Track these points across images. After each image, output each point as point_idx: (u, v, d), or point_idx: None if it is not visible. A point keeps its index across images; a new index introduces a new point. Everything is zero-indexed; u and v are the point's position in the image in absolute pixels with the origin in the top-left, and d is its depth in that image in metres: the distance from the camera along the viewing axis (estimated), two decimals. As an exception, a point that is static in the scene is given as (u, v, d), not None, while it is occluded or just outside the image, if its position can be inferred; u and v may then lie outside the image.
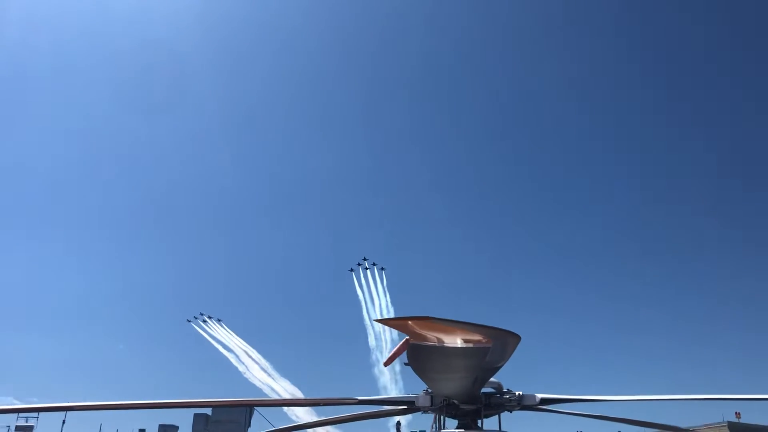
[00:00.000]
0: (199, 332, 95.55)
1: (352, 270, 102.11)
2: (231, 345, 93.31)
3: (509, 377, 17.56)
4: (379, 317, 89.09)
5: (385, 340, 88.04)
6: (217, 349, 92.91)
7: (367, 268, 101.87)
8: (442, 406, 17.59)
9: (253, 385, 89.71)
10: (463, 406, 17.52)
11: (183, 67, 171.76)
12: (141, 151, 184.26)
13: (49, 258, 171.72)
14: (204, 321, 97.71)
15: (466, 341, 12.55)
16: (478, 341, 12.59)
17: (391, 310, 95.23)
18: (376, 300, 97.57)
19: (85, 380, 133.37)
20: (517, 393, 17.75)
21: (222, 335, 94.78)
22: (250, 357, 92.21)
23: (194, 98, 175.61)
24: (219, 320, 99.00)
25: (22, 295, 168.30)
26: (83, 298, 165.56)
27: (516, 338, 12.39)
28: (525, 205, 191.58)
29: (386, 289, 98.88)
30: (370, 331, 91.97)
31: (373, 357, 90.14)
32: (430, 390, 17.62)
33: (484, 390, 17.28)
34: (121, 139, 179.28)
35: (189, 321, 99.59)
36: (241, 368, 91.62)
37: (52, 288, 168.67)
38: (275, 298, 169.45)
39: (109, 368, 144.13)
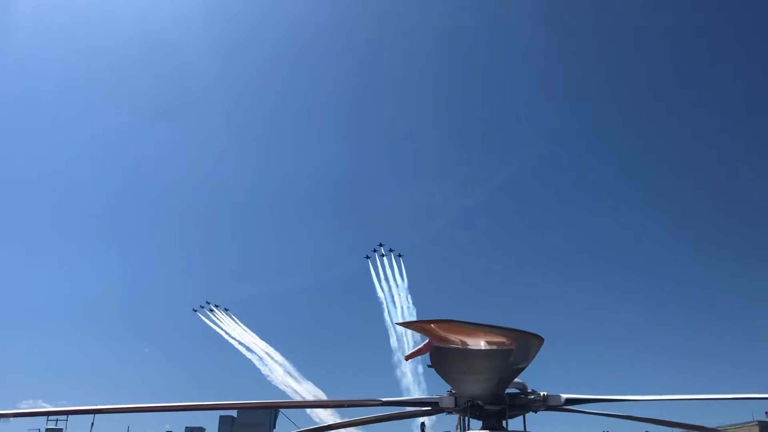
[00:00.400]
0: (212, 327, 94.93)
1: (367, 257, 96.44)
2: (251, 345, 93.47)
3: (533, 378, 17.50)
4: (400, 313, 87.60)
5: (407, 341, 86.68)
6: (240, 352, 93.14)
7: (383, 255, 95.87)
8: (467, 407, 17.54)
9: (276, 387, 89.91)
10: (487, 407, 17.45)
11: (192, 69, 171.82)
12: (148, 153, 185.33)
13: (73, 263, 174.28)
14: (211, 310, 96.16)
15: (488, 343, 12.52)
16: (501, 343, 12.54)
17: (412, 308, 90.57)
18: (395, 293, 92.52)
19: (113, 383, 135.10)
20: (541, 393, 17.64)
21: (238, 333, 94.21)
22: (273, 359, 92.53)
23: (201, 99, 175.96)
24: (226, 309, 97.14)
25: (50, 300, 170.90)
26: (110, 302, 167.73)
27: (539, 340, 12.33)
28: (543, 203, 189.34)
29: (405, 279, 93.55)
30: (391, 332, 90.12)
31: (395, 358, 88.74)
32: (454, 391, 17.57)
33: (508, 391, 17.18)
34: (130, 140, 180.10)
35: (195, 311, 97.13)
36: (264, 370, 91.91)
37: (79, 292, 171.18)
38: (285, 292, 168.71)
39: (135, 371, 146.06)
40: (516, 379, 16.77)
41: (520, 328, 11.77)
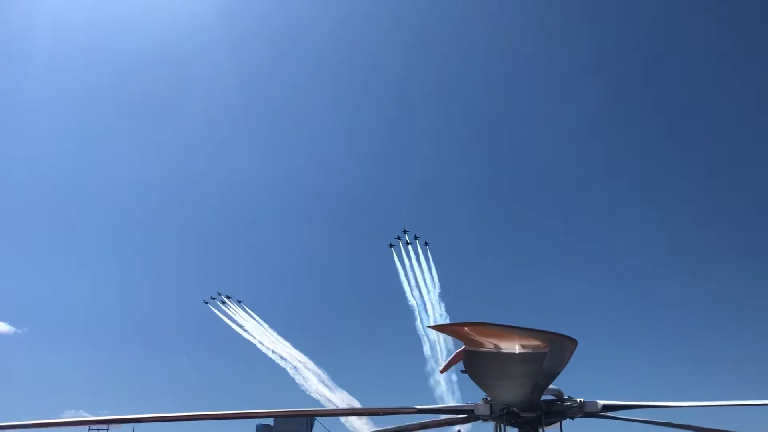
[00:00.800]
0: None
1: (391, 245, 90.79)
2: (284, 354, 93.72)
3: (569, 384, 17.35)
4: (430, 309, 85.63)
5: (440, 349, 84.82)
6: (275, 361, 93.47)
7: (408, 243, 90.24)
8: (502, 415, 17.45)
9: (310, 396, 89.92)
10: (523, 414, 17.34)
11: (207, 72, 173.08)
12: (154, 154, 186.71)
13: (112, 277, 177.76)
14: (222, 302, 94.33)
15: (522, 346, 12.47)
16: (535, 346, 12.48)
17: (445, 315, 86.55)
18: (426, 298, 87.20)
19: (152, 393, 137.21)
20: (578, 400, 17.48)
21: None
22: (307, 368, 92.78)
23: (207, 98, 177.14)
24: (239, 301, 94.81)
25: (91, 313, 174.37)
26: (148, 314, 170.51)
27: (573, 343, 12.25)
28: (576, 208, 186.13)
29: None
30: (424, 340, 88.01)
31: (428, 367, 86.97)
32: (489, 398, 17.51)
33: (544, 397, 17.07)
34: (134, 140, 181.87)
35: (206, 302, 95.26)
36: (298, 379, 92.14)
37: (118, 305, 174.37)
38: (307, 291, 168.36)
39: (173, 380, 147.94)
40: (551, 386, 16.64)
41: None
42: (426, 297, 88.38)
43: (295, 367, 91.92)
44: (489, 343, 12.31)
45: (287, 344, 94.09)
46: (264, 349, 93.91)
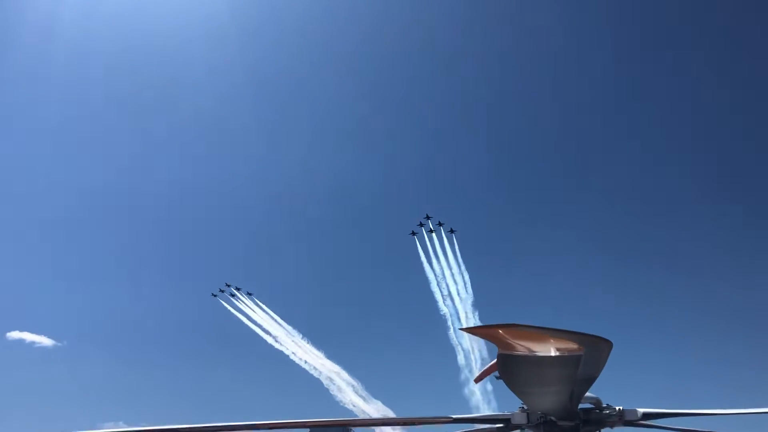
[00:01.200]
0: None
1: (413, 233, 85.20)
2: (319, 366, 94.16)
3: (607, 391, 17.12)
4: (463, 316, 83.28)
5: (474, 357, 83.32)
6: (311, 374, 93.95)
7: (431, 230, 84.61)
8: (539, 423, 17.27)
9: (345, 407, 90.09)
10: (561, 423, 17.12)
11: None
12: (161, 156, 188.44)
13: (150, 287, 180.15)
14: (232, 294, 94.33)
15: (556, 349, 12.36)
16: (570, 349, 12.36)
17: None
18: (458, 305, 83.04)
19: (190, 404, 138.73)
20: (617, 408, 17.22)
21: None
22: (341, 378, 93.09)
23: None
24: (249, 293, 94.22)
25: (128, 323, 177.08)
26: (186, 325, 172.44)
27: (608, 344, 12.13)
28: (610, 206, 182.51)
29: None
30: (458, 349, 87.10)
31: (462, 376, 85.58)
32: (525, 406, 17.35)
33: (582, 406, 16.86)
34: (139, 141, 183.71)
35: (215, 295, 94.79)
36: (332, 389, 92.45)
37: (155, 315, 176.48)
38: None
39: (210, 392, 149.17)
40: (589, 394, 16.45)
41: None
42: (457, 301, 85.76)
43: (329, 377, 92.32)
44: (523, 347, 12.23)
45: (320, 354, 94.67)
46: (298, 361, 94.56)
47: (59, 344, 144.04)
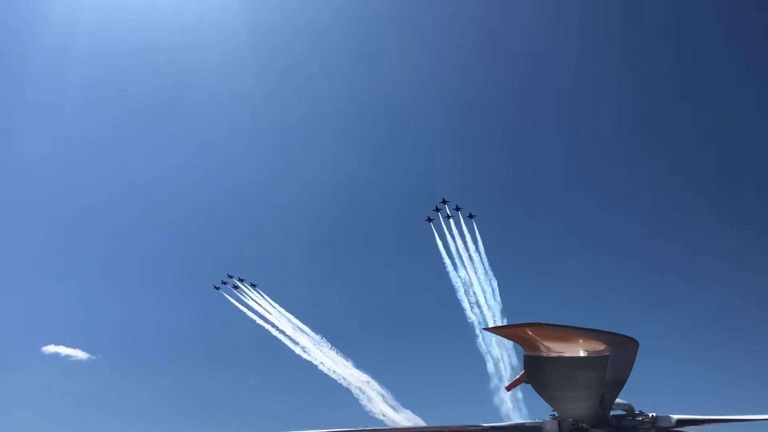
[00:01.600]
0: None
1: (429, 219, 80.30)
2: (351, 379, 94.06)
3: (639, 397, 16.93)
4: (489, 318, 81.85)
5: (504, 366, 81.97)
6: (339, 383, 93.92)
7: (449, 216, 79.23)
8: (571, 431, 17.13)
9: (374, 417, 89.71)
10: (593, 430, 16.96)
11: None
12: (164, 159, 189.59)
13: (177, 300, 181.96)
14: (235, 286, 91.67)
15: (582, 349, 12.27)
16: (596, 349, 12.25)
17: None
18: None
19: (220, 415, 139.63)
20: (650, 414, 16.99)
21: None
22: (371, 387, 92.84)
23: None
24: (254, 285, 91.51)
25: (156, 336, 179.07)
26: (215, 337, 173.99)
27: (634, 344, 12.06)
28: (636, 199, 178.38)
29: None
30: (488, 357, 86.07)
31: (492, 385, 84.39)
32: (556, 414, 17.21)
33: (614, 412, 16.68)
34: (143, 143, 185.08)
35: (217, 288, 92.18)
36: (362, 399, 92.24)
37: (183, 327, 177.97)
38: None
39: (242, 402, 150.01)
40: (621, 400, 16.27)
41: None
42: (485, 309, 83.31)
43: (359, 388, 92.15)
44: (549, 347, 12.17)
45: (348, 363, 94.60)
46: (327, 371, 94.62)
47: (93, 357, 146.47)
